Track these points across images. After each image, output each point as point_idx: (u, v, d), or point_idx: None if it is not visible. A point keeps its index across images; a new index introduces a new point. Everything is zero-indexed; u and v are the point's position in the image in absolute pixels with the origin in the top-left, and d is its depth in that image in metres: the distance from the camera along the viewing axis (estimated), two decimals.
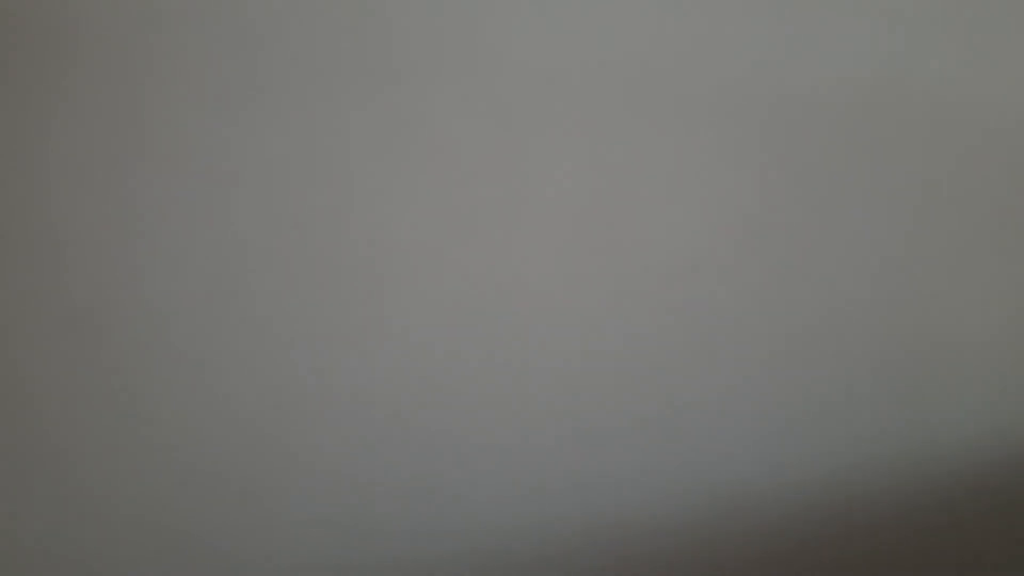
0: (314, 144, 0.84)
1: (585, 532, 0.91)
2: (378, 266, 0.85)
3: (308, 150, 0.84)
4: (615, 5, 0.90)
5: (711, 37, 0.92)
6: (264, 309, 0.83)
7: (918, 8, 0.97)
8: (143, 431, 0.81)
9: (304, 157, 0.84)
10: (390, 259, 0.86)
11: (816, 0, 0.95)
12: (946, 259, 0.99)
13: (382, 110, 0.85)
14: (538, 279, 0.89)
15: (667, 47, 0.91)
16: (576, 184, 0.89)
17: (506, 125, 0.88)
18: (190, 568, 0.82)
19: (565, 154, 0.89)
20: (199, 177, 0.81)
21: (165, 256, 0.81)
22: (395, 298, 0.86)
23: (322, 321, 0.84)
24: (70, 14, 0.79)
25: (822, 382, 0.96)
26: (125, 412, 0.81)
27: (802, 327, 0.95)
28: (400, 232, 0.86)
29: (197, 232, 0.81)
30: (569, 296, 0.90)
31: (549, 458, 0.90)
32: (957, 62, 0.99)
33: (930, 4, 0.98)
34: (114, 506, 0.81)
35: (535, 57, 0.88)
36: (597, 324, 0.90)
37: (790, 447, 0.95)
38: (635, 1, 0.90)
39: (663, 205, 0.91)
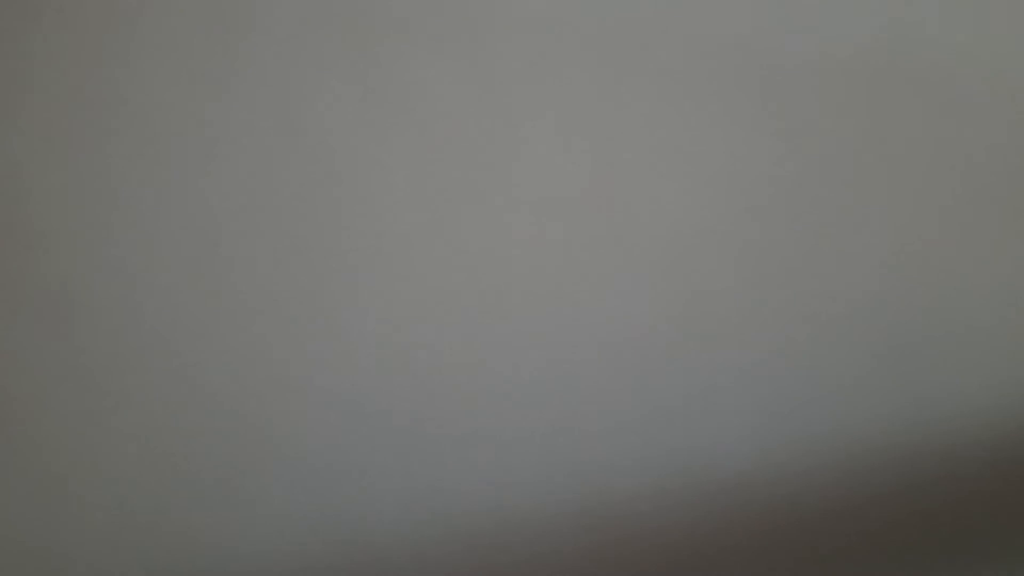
0: (293, 123, 0.83)
1: (580, 525, 0.91)
2: (360, 250, 0.85)
3: (287, 129, 0.83)
4: None
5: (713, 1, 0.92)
6: (242, 295, 0.83)
7: None
8: (119, 420, 0.81)
9: (283, 137, 0.83)
10: (373, 243, 0.85)
11: None
12: (952, 236, 0.99)
13: (364, 85, 0.84)
14: (530, 264, 0.89)
15: (668, 10, 0.91)
16: (571, 161, 0.89)
17: (495, 98, 0.87)
18: (169, 557, 0.82)
19: (559, 129, 0.88)
20: (175, 157, 0.81)
21: (141, 239, 0.81)
22: (379, 283, 0.85)
23: (302, 307, 0.84)
24: None
25: (828, 364, 0.96)
26: (101, 400, 0.80)
27: (808, 310, 0.95)
28: (383, 214, 0.85)
29: (173, 214, 0.81)
30: (563, 282, 0.89)
31: (541, 449, 0.89)
32: (965, 27, 0.98)
33: None
34: (89, 496, 0.80)
35: (526, 22, 0.88)
36: (593, 311, 0.90)
37: (795, 432, 0.95)
38: None
39: (664, 184, 0.91)
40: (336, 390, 0.85)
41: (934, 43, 0.97)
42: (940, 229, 0.98)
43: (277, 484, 0.84)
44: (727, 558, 0.94)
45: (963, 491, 1.00)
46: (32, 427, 0.79)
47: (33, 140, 0.79)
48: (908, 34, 0.97)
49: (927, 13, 0.97)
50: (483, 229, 0.87)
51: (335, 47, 0.84)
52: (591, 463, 0.90)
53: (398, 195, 0.85)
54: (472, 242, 0.87)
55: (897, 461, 0.98)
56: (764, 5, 0.93)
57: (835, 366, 0.96)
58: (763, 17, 0.93)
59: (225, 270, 0.82)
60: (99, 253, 0.80)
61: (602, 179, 0.90)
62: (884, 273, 0.97)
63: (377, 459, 0.86)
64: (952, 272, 0.99)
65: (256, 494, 0.83)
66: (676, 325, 0.92)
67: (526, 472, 0.89)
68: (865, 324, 0.97)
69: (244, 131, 0.82)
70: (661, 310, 0.91)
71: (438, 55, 0.86)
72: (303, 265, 0.84)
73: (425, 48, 0.85)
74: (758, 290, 0.94)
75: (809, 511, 0.96)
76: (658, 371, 0.92)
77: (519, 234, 0.88)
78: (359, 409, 0.85)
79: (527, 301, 0.88)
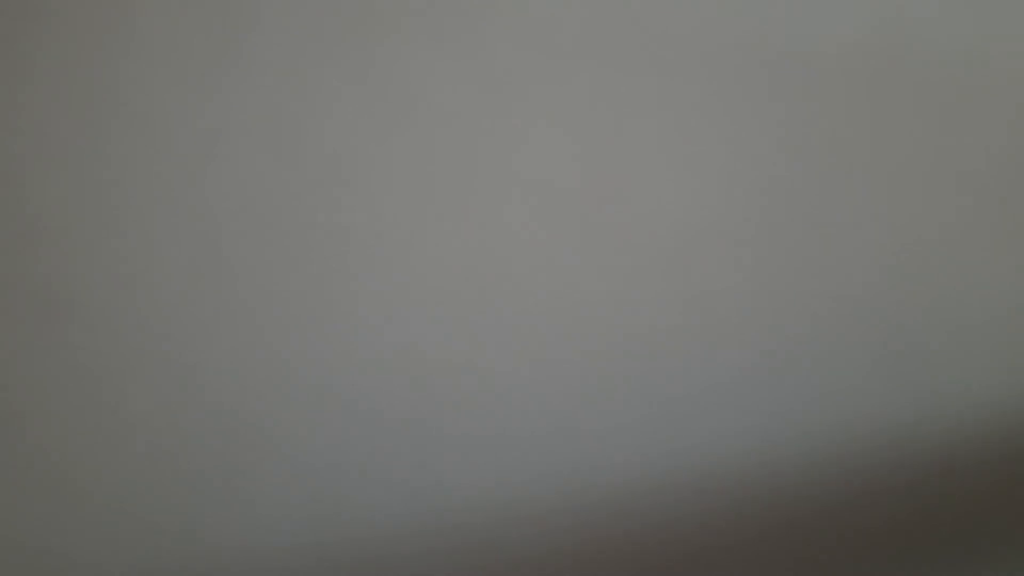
0: (293, 123, 0.83)
1: (580, 525, 0.91)
2: (360, 250, 0.85)
3: (287, 129, 0.83)
4: None
5: None
6: (242, 295, 0.83)
7: None
8: (119, 420, 0.81)
9: (283, 137, 0.83)
10: (373, 243, 0.85)
11: None
12: (952, 236, 0.99)
13: (364, 85, 0.84)
14: (530, 263, 0.89)
15: (668, 8, 0.91)
16: (571, 161, 0.89)
17: (494, 97, 0.87)
18: (169, 557, 0.82)
19: (559, 128, 0.88)
20: (175, 157, 0.81)
21: (141, 239, 0.81)
22: (378, 283, 0.85)
23: (302, 307, 0.84)
24: None
25: (828, 364, 0.96)
26: (101, 400, 0.80)
27: (808, 310, 0.95)
28: (383, 214, 0.85)
29: (173, 214, 0.81)
30: (563, 281, 0.89)
31: (540, 449, 0.89)
32: (966, 25, 0.98)
33: None
34: (89, 496, 0.80)
35: (526, 21, 0.88)
36: (593, 311, 0.90)
37: (796, 432, 0.95)
38: None
39: (664, 184, 0.91)
40: (336, 389, 0.85)
41: (935, 41, 0.97)
42: (940, 229, 0.98)
43: (277, 484, 0.84)
44: (727, 557, 0.94)
45: (963, 490, 1.00)
46: (32, 427, 0.79)
47: (33, 140, 0.78)
48: (909, 32, 0.97)
49: (928, 10, 0.97)
50: (483, 229, 0.87)
51: (335, 47, 0.84)
52: (591, 462, 0.90)
53: (398, 195, 0.85)
54: (472, 242, 0.87)
55: (897, 460, 0.98)
56: (764, 1, 0.93)
57: (835, 366, 0.96)
58: (763, 13, 0.93)
59: (225, 270, 0.82)
60: (99, 253, 0.80)
61: (602, 179, 0.90)
62: (884, 273, 0.97)
63: (377, 459, 0.86)
64: (952, 272, 0.99)
65: (256, 494, 0.83)
66: (676, 324, 0.92)
67: (525, 471, 0.89)
68: (865, 324, 0.96)
69: (244, 131, 0.82)
70: (661, 309, 0.91)
71: (438, 54, 0.86)
72: (303, 265, 0.84)
73: (425, 47, 0.85)
74: (758, 290, 0.94)
75: (809, 510, 0.96)
76: (658, 370, 0.92)
77: (519, 234, 0.88)
78: (359, 409, 0.85)
79: (527, 301, 0.88)
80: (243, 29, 0.82)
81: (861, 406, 0.97)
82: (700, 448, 0.93)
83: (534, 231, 0.88)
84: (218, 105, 0.82)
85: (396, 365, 0.86)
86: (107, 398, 0.80)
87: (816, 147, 0.95)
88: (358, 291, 0.85)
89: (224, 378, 0.82)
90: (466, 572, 0.88)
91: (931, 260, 0.98)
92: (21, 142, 0.78)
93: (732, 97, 0.92)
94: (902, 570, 0.98)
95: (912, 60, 0.97)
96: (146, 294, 0.81)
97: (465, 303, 0.87)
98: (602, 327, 0.90)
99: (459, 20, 0.86)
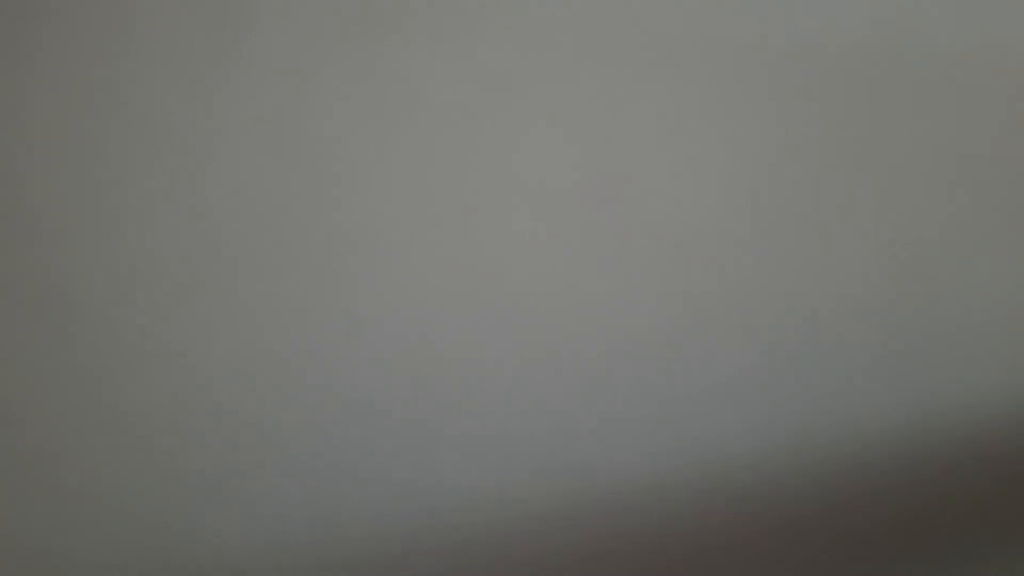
0: (294, 123, 0.83)
1: (580, 523, 0.91)
2: (360, 250, 0.85)
3: (287, 129, 0.83)
4: None
5: None
6: (242, 295, 0.83)
7: None
8: (119, 420, 0.81)
9: (283, 137, 0.83)
10: (373, 242, 0.85)
11: None
12: (952, 236, 0.99)
13: (364, 85, 0.84)
14: (531, 263, 0.89)
15: (667, 7, 0.91)
16: (571, 161, 0.89)
17: (494, 96, 0.87)
18: (169, 556, 0.82)
19: (559, 128, 0.88)
20: (175, 157, 0.81)
21: (141, 239, 0.81)
22: (379, 283, 0.85)
23: (302, 307, 0.84)
24: None
25: (828, 364, 0.96)
26: (101, 400, 0.80)
27: (808, 310, 0.95)
28: (383, 214, 0.85)
29: (173, 214, 0.81)
30: (563, 281, 0.89)
31: (540, 447, 0.89)
32: (968, 24, 0.98)
33: None
34: (89, 496, 0.80)
35: (525, 20, 0.88)
36: (593, 310, 0.90)
37: (796, 431, 0.95)
38: None
39: (665, 184, 0.91)
40: (336, 390, 0.85)
41: (935, 41, 0.97)
42: (940, 229, 0.98)
43: (277, 484, 0.84)
44: (727, 557, 0.94)
45: (963, 490, 1.00)
46: (32, 427, 0.79)
47: (33, 140, 0.79)
48: (909, 32, 0.97)
49: (928, 10, 0.97)
50: (483, 228, 0.87)
51: (335, 47, 0.84)
52: (591, 462, 0.90)
53: (398, 195, 0.85)
54: (472, 242, 0.87)
55: (896, 459, 0.98)
56: (764, 1, 0.93)
57: (835, 366, 0.96)
58: (763, 13, 0.93)
59: (225, 270, 0.82)
60: (99, 253, 0.80)
61: (601, 179, 0.90)
62: (884, 273, 0.97)
63: (377, 459, 0.86)
64: (952, 272, 0.99)
65: (256, 494, 0.83)
66: (676, 324, 0.92)
67: (525, 471, 0.89)
68: (865, 324, 0.97)
69: (244, 131, 0.82)
70: (661, 310, 0.91)
71: (438, 54, 0.86)
72: (303, 265, 0.84)
73: (425, 47, 0.85)
74: (758, 290, 0.94)
75: (809, 510, 0.96)
76: (658, 370, 0.92)
77: (519, 234, 0.88)
78: (359, 408, 0.85)
79: (527, 301, 0.88)
80: (243, 29, 0.82)
81: (861, 406, 0.97)
82: (700, 448, 0.93)
83: (534, 231, 0.88)
84: (218, 105, 0.82)
85: (396, 365, 0.86)
86: (107, 398, 0.80)
87: (816, 147, 0.95)
88: (358, 291, 0.85)
89: (224, 378, 0.82)
90: (466, 572, 0.88)
91: (931, 260, 0.98)
92: (21, 142, 0.78)
93: (732, 97, 0.92)
94: (902, 570, 0.98)
95: (912, 60, 0.97)
96: (146, 294, 0.81)
97: (465, 303, 0.87)
98: (602, 327, 0.90)
99: (459, 20, 0.86)
